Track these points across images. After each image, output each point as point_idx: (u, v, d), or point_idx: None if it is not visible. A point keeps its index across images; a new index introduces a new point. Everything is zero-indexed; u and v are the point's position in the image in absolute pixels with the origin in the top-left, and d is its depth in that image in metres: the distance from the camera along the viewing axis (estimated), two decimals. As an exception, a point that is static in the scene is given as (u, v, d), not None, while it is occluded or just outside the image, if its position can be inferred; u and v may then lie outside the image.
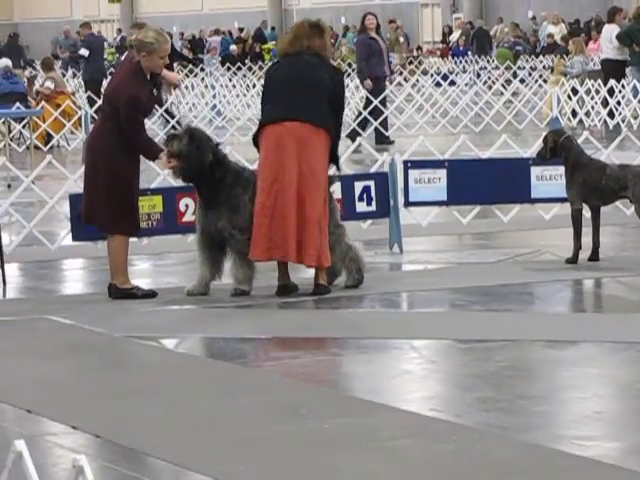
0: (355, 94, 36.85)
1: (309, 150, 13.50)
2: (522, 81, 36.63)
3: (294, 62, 14.33)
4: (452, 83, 38.47)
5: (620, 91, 30.73)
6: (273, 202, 13.51)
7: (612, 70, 32.29)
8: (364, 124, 29.56)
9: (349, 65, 51.76)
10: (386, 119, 30.12)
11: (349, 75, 44.22)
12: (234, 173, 13.78)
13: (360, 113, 29.70)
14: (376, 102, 29.83)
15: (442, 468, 8.31)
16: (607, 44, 34.10)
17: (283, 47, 14.81)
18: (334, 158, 14.07)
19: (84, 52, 37.08)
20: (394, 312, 13.83)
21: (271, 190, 13.45)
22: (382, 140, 28.70)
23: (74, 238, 15.97)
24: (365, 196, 16.29)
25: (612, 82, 30.99)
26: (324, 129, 13.55)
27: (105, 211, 13.97)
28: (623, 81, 31.73)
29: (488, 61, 46.74)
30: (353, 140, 26.15)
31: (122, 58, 34.60)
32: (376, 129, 29.69)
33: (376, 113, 29.89)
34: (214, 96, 38.88)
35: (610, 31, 34.26)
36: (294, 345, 12.03)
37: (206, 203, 13.70)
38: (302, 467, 8.38)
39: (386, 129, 29.84)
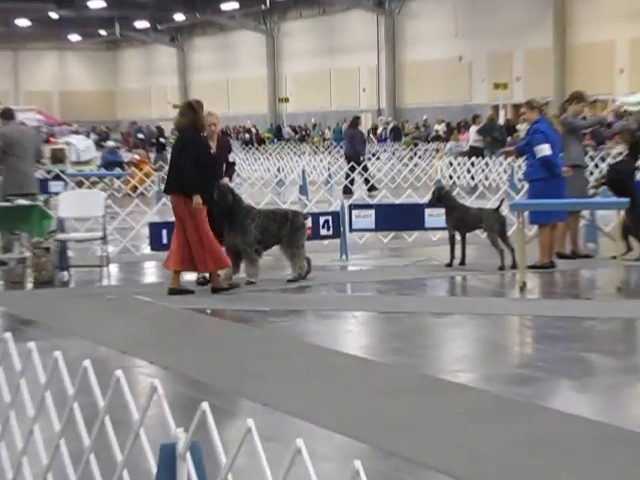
0: (320, 163, 36.79)
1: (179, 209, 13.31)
2: (420, 157, 36.50)
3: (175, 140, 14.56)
4: (377, 158, 38.33)
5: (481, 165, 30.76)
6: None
7: (474, 152, 32.50)
8: (352, 182, 29.19)
9: (317, 147, 51.47)
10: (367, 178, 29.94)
11: (323, 153, 43.86)
12: (245, 209, 13.69)
13: (348, 175, 29.33)
14: (359, 169, 29.85)
15: (372, 386, 8.45)
16: (472, 136, 34.35)
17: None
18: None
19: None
20: (342, 295, 13.82)
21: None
22: (372, 188, 28.42)
23: (152, 249, 16.02)
24: (326, 225, 16.29)
25: (473, 159, 31.10)
26: (178, 190, 13.18)
27: None
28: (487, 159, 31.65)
29: (399, 145, 46.77)
30: (347, 193, 26.01)
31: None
32: (367, 182, 29.29)
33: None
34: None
35: (473, 129, 34.51)
36: (283, 314, 12.01)
37: (228, 227, 13.50)
38: (291, 388, 8.43)
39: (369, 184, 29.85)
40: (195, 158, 13.11)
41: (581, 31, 47.66)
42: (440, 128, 48.35)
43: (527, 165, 15.44)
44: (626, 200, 14.18)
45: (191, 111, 13.29)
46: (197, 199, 12.90)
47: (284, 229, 13.66)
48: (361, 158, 30.60)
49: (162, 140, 40.84)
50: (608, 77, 45.97)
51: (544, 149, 14.36)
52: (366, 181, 29.70)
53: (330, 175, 32.19)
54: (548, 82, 45.91)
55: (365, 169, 30.19)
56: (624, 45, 45.62)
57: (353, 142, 31.87)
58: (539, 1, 47.98)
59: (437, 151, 39.38)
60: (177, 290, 13.22)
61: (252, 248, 13.48)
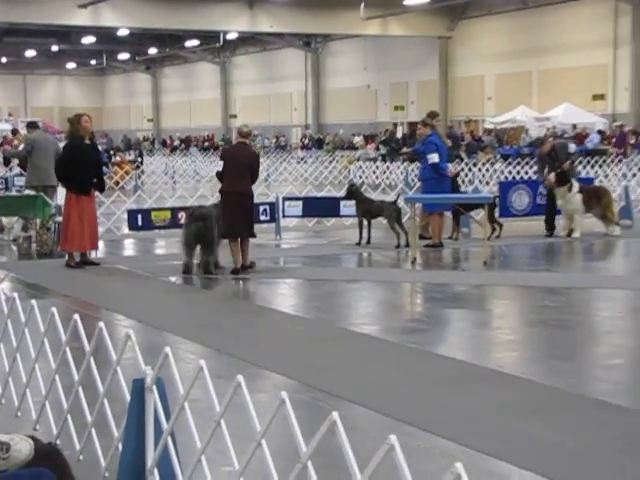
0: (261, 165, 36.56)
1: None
2: (337, 162, 36.35)
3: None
4: (305, 162, 38.21)
5: (383, 167, 30.77)
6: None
7: (382, 158, 32.81)
8: None
9: (259, 152, 50.88)
10: None
11: (263, 157, 43.52)
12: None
13: None
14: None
15: (299, 335, 8.42)
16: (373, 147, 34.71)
17: None
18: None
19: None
20: (277, 266, 13.61)
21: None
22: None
23: (129, 229, 15.86)
24: (265, 212, 16.20)
25: (379, 163, 31.19)
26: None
27: None
28: (388, 163, 31.70)
29: (321, 152, 46.46)
30: None
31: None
32: None
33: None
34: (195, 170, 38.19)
35: (377, 141, 34.72)
36: (230, 280, 11.90)
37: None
38: (236, 336, 8.36)
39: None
40: (70, 160, 12.38)
41: (459, 67, 47.96)
42: (358, 140, 48.31)
43: (421, 168, 15.52)
44: (490, 196, 14.41)
45: (70, 124, 12.69)
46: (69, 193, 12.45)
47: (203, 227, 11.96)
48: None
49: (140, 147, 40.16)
50: (480, 103, 46.32)
51: (434, 157, 14.52)
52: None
53: (268, 175, 32.03)
54: (435, 105, 45.91)
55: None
56: (491, 79, 45.99)
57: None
58: (428, 44, 48.16)
59: (350, 157, 39.34)
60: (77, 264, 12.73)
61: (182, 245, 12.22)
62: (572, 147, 17.75)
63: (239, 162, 11.95)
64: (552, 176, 15.74)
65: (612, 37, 39.94)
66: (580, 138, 36.72)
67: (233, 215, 11.88)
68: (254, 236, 12.28)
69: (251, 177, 12.03)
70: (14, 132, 16.89)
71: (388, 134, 40.20)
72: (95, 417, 4.52)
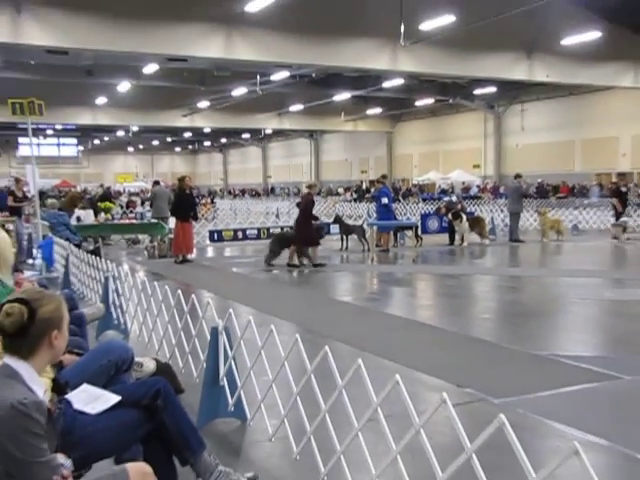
0: (287, 204, 36.15)
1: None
2: (328, 202, 36.08)
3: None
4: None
5: (355, 206, 30.51)
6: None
7: (354, 200, 32.41)
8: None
9: (286, 196, 50.40)
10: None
11: (287, 200, 42.94)
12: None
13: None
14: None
15: (301, 302, 8.22)
16: (349, 194, 34.27)
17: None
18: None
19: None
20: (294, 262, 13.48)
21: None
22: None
23: (210, 241, 15.70)
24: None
25: (353, 203, 30.89)
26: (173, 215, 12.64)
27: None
28: (358, 203, 31.31)
29: (320, 197, 46.19)
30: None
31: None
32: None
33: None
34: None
35: (351, 191, 34.22)
36: (265, 270, 11.81)
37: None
38: (268, 302, 8.11)
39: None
40: (178, 201, 12.52)
41: (398, 149, 48.05)
42: (341, 190, 48.29)
43: (377, 206, 15.43)
44: (415, 222, 14.39)
45: (179, 181, 12.69)
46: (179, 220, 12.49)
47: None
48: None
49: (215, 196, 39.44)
50: (409, 169, 46.39)
51: (385, 200, 14.56)
52: None
53: (289, 210, 31.72)
54: (385, 170, 46.00)
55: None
56: (416, 156, 46.09)
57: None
58: (380, 135, 48.39)
59: (336, 199, 39.10)
60: (184, 261, 12.55)
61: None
62: (454, 198, 17.81)
63: (300, 204, 12.30)
64: (450, 214, 15.89)
65: (483, 132, 40.23)
66: (466, 189, 36.96)
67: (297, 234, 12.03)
68: (307, 245, 11.96)
69: (305, 214, 12.02)
70: (154, 184, 17.08)
71: (357, 187, 40.14)
72: (190, 348, 4.51)
